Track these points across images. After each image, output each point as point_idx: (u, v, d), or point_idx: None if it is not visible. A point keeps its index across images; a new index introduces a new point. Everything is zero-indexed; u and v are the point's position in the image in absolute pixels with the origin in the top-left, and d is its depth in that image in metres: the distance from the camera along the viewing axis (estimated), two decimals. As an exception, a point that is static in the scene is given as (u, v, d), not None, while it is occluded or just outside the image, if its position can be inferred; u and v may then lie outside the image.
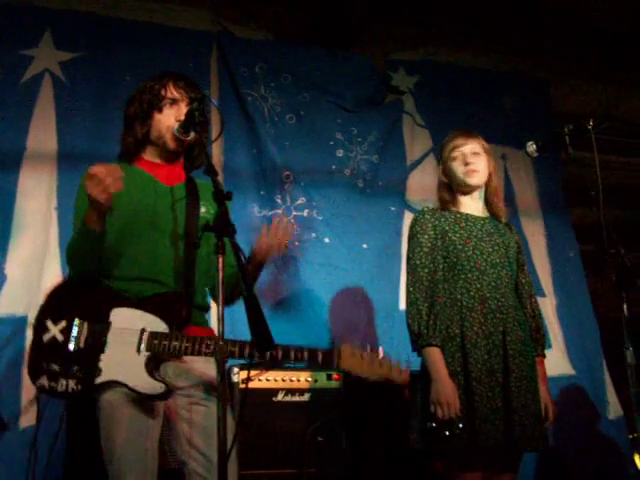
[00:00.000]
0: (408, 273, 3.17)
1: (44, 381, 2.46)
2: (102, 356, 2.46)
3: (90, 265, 2.55)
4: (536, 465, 4.41)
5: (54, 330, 2.51)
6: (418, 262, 3.13)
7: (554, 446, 4.34)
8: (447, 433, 2.91)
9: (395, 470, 3.71)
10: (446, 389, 2.93)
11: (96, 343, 2.47)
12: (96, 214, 2.42)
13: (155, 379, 2.45)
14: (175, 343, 2.45)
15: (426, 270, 3.11)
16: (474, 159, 3.19)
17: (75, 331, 2.49)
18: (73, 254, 2.57)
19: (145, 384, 2.44)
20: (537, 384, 3.09)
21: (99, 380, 2.44)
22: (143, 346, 2.46)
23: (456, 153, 3.22)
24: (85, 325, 2.49)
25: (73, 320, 2.50)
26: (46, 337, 2.51)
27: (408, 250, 3.21)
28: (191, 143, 2.66)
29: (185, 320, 2.53)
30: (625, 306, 3.05)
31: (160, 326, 2.49)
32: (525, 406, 2.99)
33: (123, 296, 2.54)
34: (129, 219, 2.59)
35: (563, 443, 4.59)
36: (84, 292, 2.56)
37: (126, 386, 2.43)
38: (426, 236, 3.15)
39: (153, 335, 2.46)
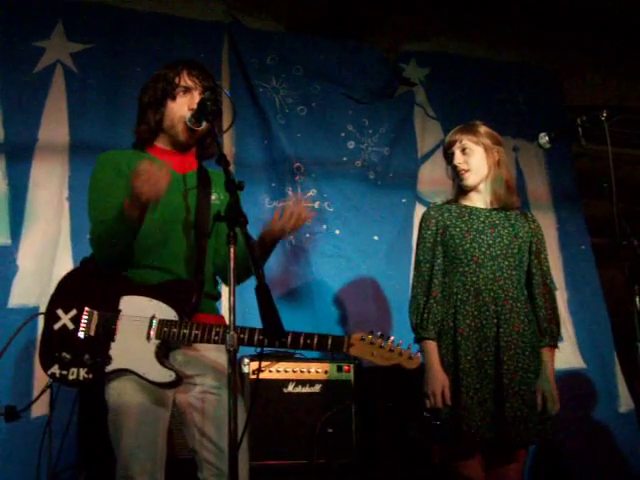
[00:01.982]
0: (413, 268, 3.27)
1: (55, 370, 2.48)
2: (112, 344, 2.47)
3: (123, 249, 2.55)
4: (536, 458, 4.40)
5: (65, 319, 2.52)
6: (421, 258, 3.23)
7: (562, 439, 4.34)
8: (438, 423, 2.99)
9: (406, 461, 3.71)
10: (435, 380, 3.01)
11: (106, 331, 2.48)
12: (140, 208, 2.42)
13: (165, 367, 2.46)
14: (184, 331, 2.46)
15: (427, 265, 3.20)
16: (462, 159, 3.23)
17: (85, 319, 2.51)
18: (106, 239, 2.54)
19: (155, 372, 2.45)
20: (535, 376, 3.09)
21: (109, 368, 2.46)
22: (153, 334, 2.47)
23: (448, 153, 3.28)
24: (95, 313, 2.51)
25: (83, 308, 2.52)
26: (57, 326, 2.52)
27: (416, 246, 3.31)
28: (203, 132, 2.67)
29: (194, 307, 2.53)
30: (637, 299, 3.04)
31: (170, 313, 2.49)
32: (518, 398, 3.01)
33: (133, 284, 2.55)
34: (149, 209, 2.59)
35: (572, 436, 4.59)
36: (94, 280, 2.57)
37: (136, 374, 2.44)
38: (429, 232, 3.23)
39: (162, 323, 2.48)
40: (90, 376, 2.46)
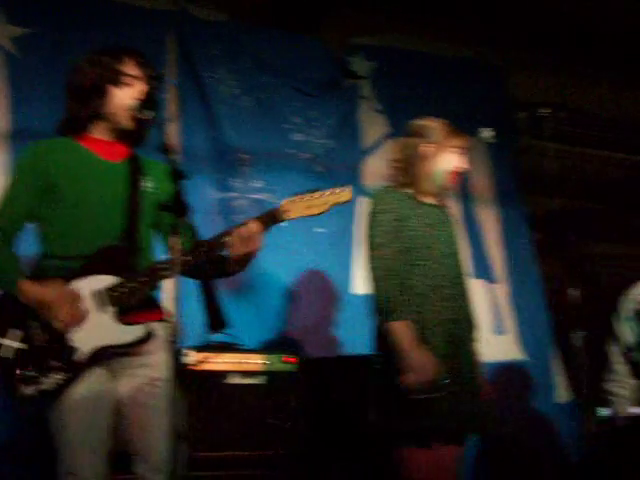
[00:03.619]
0: (370, 250, 3.10)
1: (28, 390, 2.42)
2: (70, 336, 2.45)
3: None
4: (479, 448, 4.49)
5: (10, 343, 2.46)
6: (380, 240, 3.07)
7: (500, 430, 4.43)
8: (436, 394, 2.91)
9: (351, 452, 3.73)
10: (418, 355, 2.92)
11: (56, 330, 2.45)
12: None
13: (131, 324, 2.47)
14: (132, 284, 2.47)
15: (389, 249, 3.05)
16: (467, 166, 3.25)
17: (31, 331, 2.46)
18: None
19: (126, 333, 2.46)
20: (478, 369, 3.16)
21: (79, 357, 2.43)
22: (105, 304, 2.46)
23: (457, 152, 3.23)
24: (37, 322, 2.47)
25: (24, 324, 2.47)
26: (6, 354, 2.46)
27: (369, 228, 3.14)
28: (146, 121, 2.62)
29: (130, 266, 2.52)
30: (575, 292, 3.12)
31: (108, 280, 2.49)
32: (476, 390, 3.07)
33: (65, 275, 2.50)
34: (78, 201, 2.56)
35: (513, 426, 4.69)
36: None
37: (111, 347, 2.45)
38: (387, 215, 3.09)
39: (107, 291, 2.47)
40: (63, 375, 2.43)
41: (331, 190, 2.59)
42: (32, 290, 2.44)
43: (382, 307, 3.01)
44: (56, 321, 2.42)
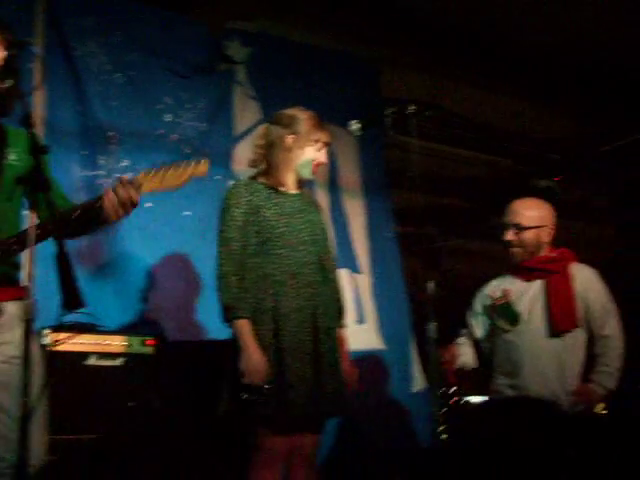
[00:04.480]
0: (219, 246, 3.19)
1: None
2: None
3: None
4: (336, 435, 4.59)
5: None
6: (230, 236, 3.17)
7: (358, 417, 4.56)
8: (256, 399, 3.00)
9: (208, 434, 3.74)
10: (252, 358, 3.01)
11: None
12: None
13: None
14: None
15: (238, 244, 3.15)
16: (325, 161, 3.30)
17: None
18: None
19: None
20: (340, 354, 3.24)
21: None
22: None
23: (320, 145, 3.29)
24: None
25: None
26: None
27: (220, 223, 3.23)
28: (6, 90, 2.53)
29: None
30: (432, 285, 3.24)
31: None
32: (332, 375, 3.14)
33: None
34: None
35: (371, 414, 4.83)
36: None
37: None
38: (239, 210, 3.19)
39: None
40: None
41: (187, 162, 2.58)
42: None
43: (225, 304, 3.09)
44: None
